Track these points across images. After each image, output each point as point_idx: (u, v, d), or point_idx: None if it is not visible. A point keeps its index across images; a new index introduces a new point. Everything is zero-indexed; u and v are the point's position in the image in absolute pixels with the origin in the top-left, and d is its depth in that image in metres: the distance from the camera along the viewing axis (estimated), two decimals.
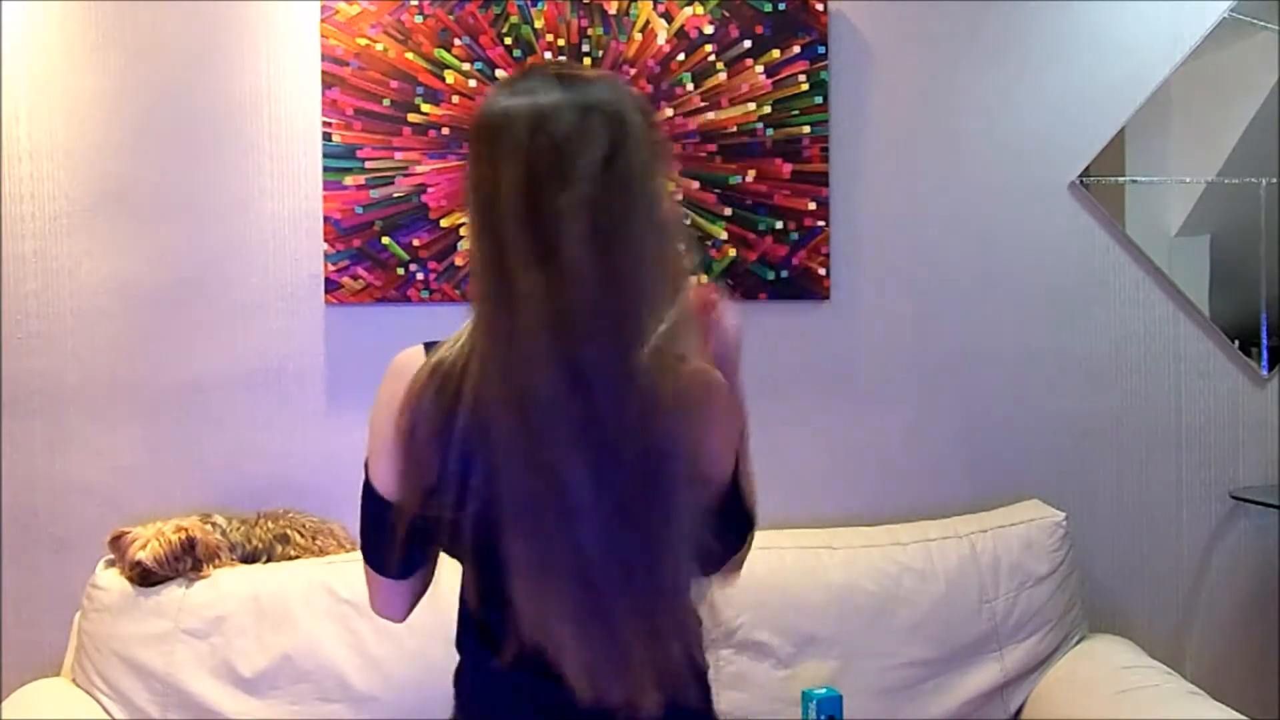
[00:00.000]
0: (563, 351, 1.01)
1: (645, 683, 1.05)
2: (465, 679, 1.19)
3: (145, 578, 1.97)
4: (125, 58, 2.19)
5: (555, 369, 1.01)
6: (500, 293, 1.03)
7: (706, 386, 1.10)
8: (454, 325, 1.11)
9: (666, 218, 1.09)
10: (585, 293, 1.01)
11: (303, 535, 2.10)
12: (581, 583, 1.03)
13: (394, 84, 2.21)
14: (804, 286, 2.31)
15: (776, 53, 2.29)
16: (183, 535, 1.98)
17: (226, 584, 1.99)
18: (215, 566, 2.01)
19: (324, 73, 2.20)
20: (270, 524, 2.11)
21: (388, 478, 1.11)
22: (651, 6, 2.26)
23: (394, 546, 1.10)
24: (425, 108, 2.21)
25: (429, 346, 1.12)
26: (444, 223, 2.23)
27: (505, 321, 1.02)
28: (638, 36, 2.26)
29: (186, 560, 1.98)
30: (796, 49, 2.29)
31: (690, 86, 2.27)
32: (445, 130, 2.22)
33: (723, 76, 2.28)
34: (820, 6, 2.29)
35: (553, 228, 1.00)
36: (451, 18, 2.22)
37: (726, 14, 2.27)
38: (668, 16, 2.26)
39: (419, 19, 2.21)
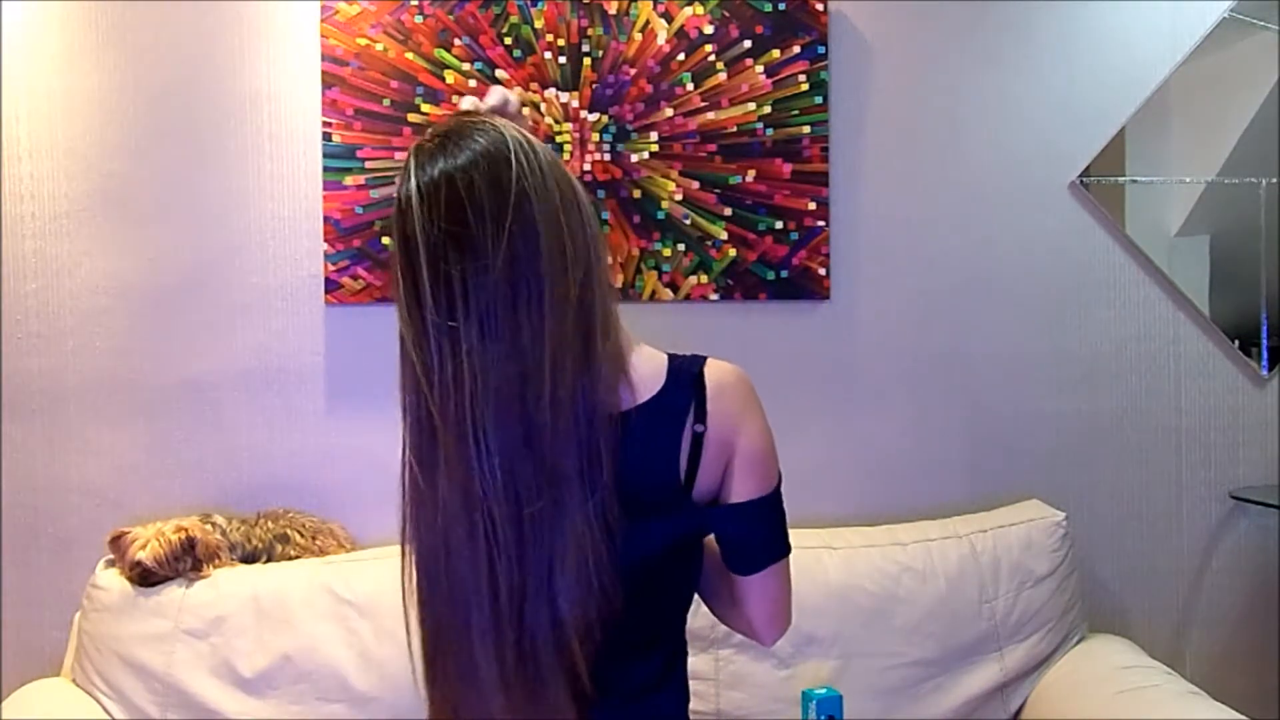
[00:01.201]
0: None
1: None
2: None
3: (145, 578, 1.97)
4: (125, 58, 2.19)
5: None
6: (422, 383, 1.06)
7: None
8: None
9: (579, 238, 1.08)
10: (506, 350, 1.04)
11: (303, 535, 2.10)
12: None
13: (394, 84, 2.21)
14: (804, 286, 2.31)
15: (776, 53, 2.29)
16: (183, 535, 1.98)
17: (226, 584, 1.99)
18: (215, 566, 2.01)
19: (324, 73, 2.20)
20: (270, 524, 2.11)
21: None
22: (651, 6, 2.26)
23: None
24: (425, 108, 2.22)
25: None
26: None
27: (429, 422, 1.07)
28: (638, 36, 2.26)
29: (186, 560, 1.98)
30: (796, 49, 2.29)
31: (690, 86, 2.27)
32: None
33: (723, 76, 2.28)
34: (820, 6, 2.29)
35: (466, 292, 1.03)
36: (451, 18, 2.22)
37: (726, 14, 2.27)
38: (668, 16, 2.26)
39: (419, 19, 2.21)
